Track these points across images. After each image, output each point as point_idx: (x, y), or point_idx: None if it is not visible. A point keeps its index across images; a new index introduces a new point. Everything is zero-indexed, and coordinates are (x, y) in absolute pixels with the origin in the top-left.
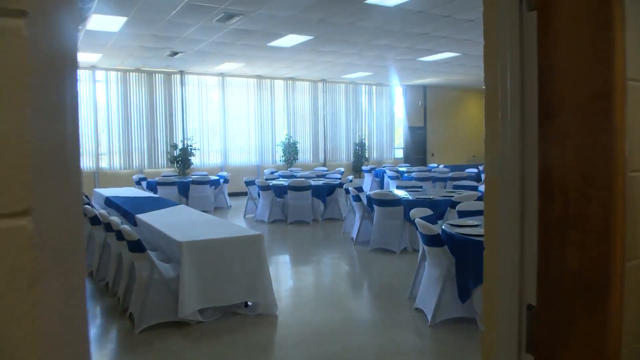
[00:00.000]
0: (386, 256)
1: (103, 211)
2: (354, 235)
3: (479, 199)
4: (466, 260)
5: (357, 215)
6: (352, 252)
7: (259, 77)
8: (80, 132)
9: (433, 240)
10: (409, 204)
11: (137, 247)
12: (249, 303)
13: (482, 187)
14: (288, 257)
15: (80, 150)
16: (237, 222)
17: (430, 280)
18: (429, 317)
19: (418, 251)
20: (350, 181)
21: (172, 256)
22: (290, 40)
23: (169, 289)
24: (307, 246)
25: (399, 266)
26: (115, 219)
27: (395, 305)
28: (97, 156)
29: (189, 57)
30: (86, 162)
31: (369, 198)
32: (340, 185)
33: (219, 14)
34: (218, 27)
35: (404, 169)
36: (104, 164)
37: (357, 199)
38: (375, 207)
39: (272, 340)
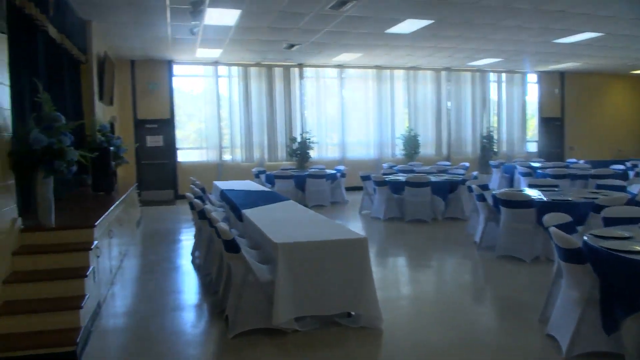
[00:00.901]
0: (514, 265)
1: (209, 206)
2: (478, 239)
3: (629, 202)
4: (614, 282)
5: (482, 217)
6: (475, 257)
7: (378, 67)
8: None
9: (572, 256)
10: (542, 206)
11: (231, 246)
12: (352, 313)
13: (632, 188)
14: (402, 259)
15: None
16: (352, 218)
17: (567, 303)
18: (564, 349)
19: (553, 262)
20: (475, 177)
21: (270, 257)
22: (409, 25)
23: (265, 293)
24: (424, 248)
25: (530, 279)
26: (216, 214)
27: (523, 328)
28: (220, 149)
29: (306, 49)
30: (210, 155)
31: (494, 198)
32: (464, 181)
33: (331, 1)
34: (332, 14)
35: (537, 164)
36: (227, 156)
37: (481, 198)
38: (501, 208)
39: (374, 359)
